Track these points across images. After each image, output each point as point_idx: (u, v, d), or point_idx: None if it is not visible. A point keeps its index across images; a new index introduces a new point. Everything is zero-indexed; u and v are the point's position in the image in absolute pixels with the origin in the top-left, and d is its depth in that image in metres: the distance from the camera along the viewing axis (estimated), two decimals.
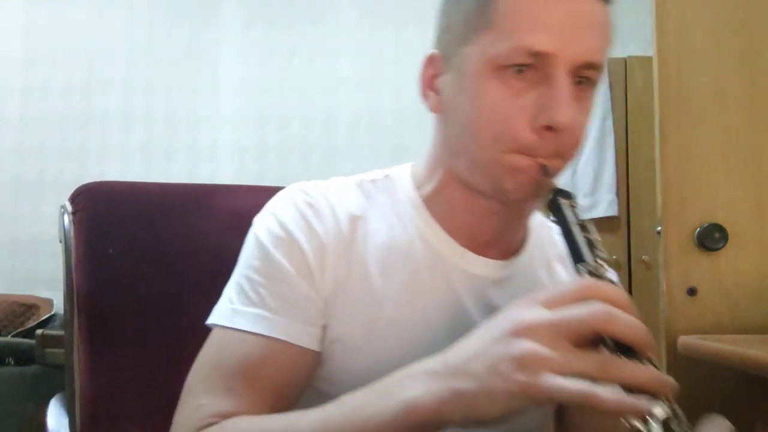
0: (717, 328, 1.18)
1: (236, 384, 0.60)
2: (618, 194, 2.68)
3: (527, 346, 0.45)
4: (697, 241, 1.19)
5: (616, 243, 2.68)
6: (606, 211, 2.67)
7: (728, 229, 1.19)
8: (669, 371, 1.18)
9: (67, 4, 3.28)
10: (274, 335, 0.61)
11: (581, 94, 0.61)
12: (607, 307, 0.46)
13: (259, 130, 3.14)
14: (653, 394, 0.44)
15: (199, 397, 0.60)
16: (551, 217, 0.60)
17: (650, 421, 0.43)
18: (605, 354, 0.47)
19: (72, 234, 0.97)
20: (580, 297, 0.47)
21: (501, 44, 0.58)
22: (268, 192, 0.91)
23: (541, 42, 0.57)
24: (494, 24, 0.59)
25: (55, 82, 3.24)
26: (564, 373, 0.44)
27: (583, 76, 0.60)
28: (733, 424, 1.21)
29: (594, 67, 0.60)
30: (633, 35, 2.92)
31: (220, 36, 3.22)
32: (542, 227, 0.75)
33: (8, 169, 3.22)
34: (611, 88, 2.71)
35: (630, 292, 2.65)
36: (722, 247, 1.19)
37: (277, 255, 0.64)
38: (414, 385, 0.50)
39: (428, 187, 0.69)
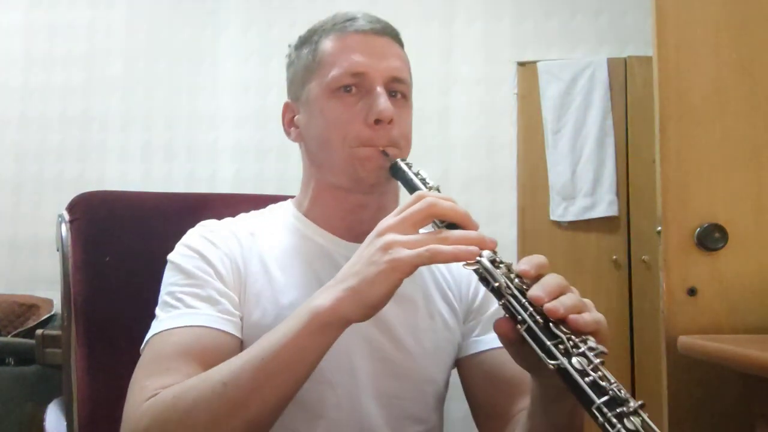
0: (717, 328, 1.18)
1: (173, 364, 0.70)
2: (618, 194, 2.68)
3: (387, 237, 0.63)
4: (697, 241, 1.19)
5: (616, 243, 2.68)
6: (606, 211, 2.67)
7: (728, 229, 1.19)
8: (669, 371, 1.18)
9: (67, 4, 3.28)
10: (197, 324, 0.73)
11: (398, 103, 0.82)
12: (433, 198, 0.65)
13: (259, 130, 3.14)
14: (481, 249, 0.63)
15: (142, 382, 0.69)
16: (395, 176, 0.79)
17: (481, 259, 0.62)
18: (442, 229, 0.65)
19: (69, 242, 0.99)
20: (416, 201, 0.66)
21: (331, 74, 0.81)
22: (266, 201, 0.93)
23: (357, 65, 0.81)
24: (323, 62, 0.83)
25: (55, 82, 3.24)
26: (417, 248, 0.61)
27: (395, 90, 0.83)
28: (733, 424, 1.21)
29: (400, 80, 0.83)
30: (633, 35, 2.93)
31: (220, 36, 3.22)
32: None
33: (8, 169, 3.23)
34: (611, 88, 2.72)
35: (630, 292, 2.65)
36: (722, 247, 1.19)
37: (191, 267, 0.79)
38: (316, 298, 0.65)
39: (305, 202, 0.88)
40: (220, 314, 0.75)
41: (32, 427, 2.28)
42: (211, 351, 0.72)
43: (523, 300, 0.59)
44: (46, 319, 2.70)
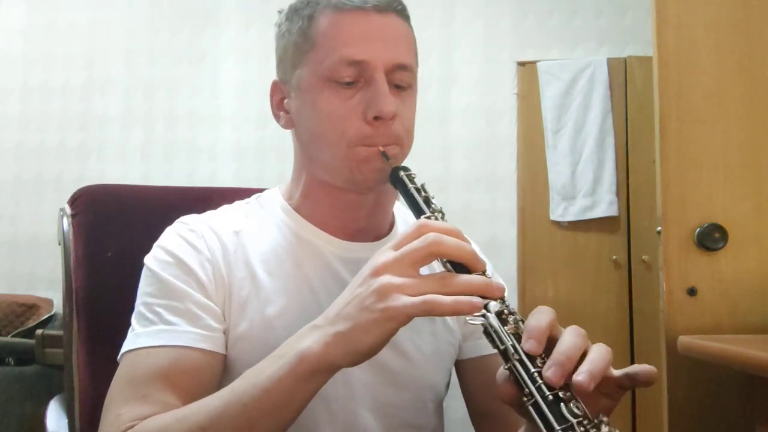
0: (717, 328, 1.18)
1: (150, 390, 0.66)
2: (618, 194, 2.68)
3: (383, 279, 0.56)
4: (697, 241, 1.19)
5: (616, 243, 2.68)
6: (606, 211, 2.68)
7: (728, 229, 1.19)
8: (669, 371, 1.18)
9: (67, 5, 3.28)
10: (176, 343, 0.69)
11: (402, 94, 0.74)
12: (437, 234, 0.58)
13: (259, 130, 3.14)
14: (488, 297, 0.57)
15: (117, 409, 0.66)
16: (394, 186, 0.72)
17: (487, 313, 0.56)
18: (444, 272, 0.59)
19: (71, 237, 0.97)
20: (418, 234, 0.59)
21: (325, 61, 0.72)
22: None
23: (356, 53, 0.71)
24: (316, 45, 0.73)
25: (54, 82, 3.24)
26: (414, 294, 0.55)
27: (399, 79, 0.73)
28: (733, 424, 1.21)
29: (405, 68, 0.73)
30: (633, 35, 2.93)
31: (220, 36, 3.22)
32: (409, 215, 0.86)
33: (8, 169, 3.23)
34: (611, 88, 2.72)
35: (630, 292, 2.65)
36: (722, 247, 1.19)
37: (169, 276, 0.72)
38: (303, 340, 0.59)
39: (296, 196, 0.81)
40: (201, 330, 0.70)
41: (32, 428, 2.28)
42: (191, 375, 0.68)
43: (532, 369, 0.53)
44: (46, 319, 2.70)
